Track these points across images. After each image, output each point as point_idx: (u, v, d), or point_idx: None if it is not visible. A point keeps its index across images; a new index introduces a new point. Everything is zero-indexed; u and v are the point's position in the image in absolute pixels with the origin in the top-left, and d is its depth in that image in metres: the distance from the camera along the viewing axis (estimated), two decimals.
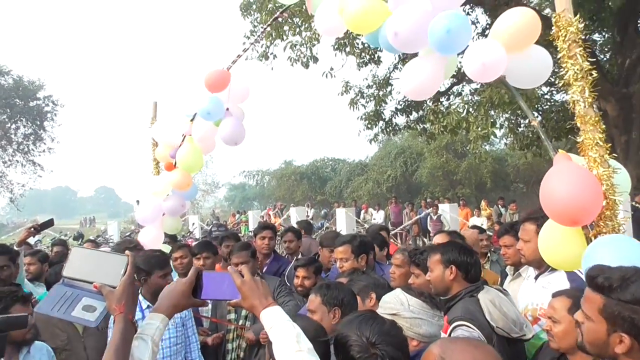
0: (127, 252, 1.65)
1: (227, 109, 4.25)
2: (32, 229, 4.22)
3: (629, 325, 1.51)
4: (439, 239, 3.91)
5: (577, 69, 2.21)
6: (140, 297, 3.24)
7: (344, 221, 12.21)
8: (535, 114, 11.43)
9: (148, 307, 3.25)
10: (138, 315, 2.55)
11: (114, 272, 1.53)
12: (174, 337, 3.42)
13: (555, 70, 2.61)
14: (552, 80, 10.82)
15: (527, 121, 12.13)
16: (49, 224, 4.45)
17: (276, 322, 1.51)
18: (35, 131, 29.81)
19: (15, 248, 4.27)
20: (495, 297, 2.49)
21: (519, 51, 2.53)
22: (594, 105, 2.22)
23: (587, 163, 2.22)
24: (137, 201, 7.67)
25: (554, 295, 2.24)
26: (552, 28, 2.32)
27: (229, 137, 4.24)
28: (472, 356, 1.20)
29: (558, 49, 2.29)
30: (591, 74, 2.21)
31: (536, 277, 2.96)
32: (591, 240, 2.16)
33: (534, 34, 2.52)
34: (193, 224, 17.04)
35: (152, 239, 4.47)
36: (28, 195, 35.00)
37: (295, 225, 7.09)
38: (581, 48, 2.23)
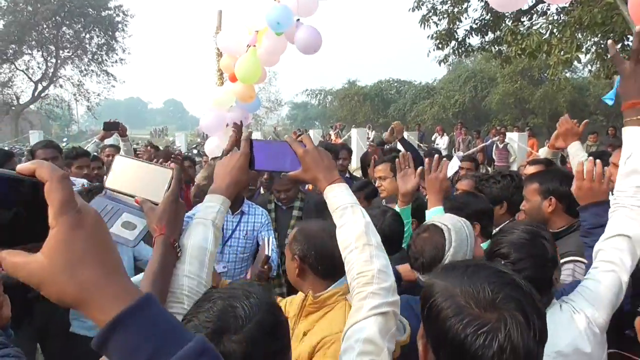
0: (172, 164, 1.46)
1: (298, 20, 4.09)
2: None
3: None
4: (532, 169, 3.67)
5: None
6: None
7: None
8: (630, 37, 10.29)
9: None
10: None
11: (158, 187, 1.34)
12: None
13: None
14: None
15: (619, 46, 10.98)
16: (113, 126, 4.96)
17: (344, 205, 1.31)
18: (107, 41, 30.87)
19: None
20: None
21: None
22: None
23: None
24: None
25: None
26: None
27: (305, 45, 4.11)
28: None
29: None
30: None
31: None
32: None
33: None
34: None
35: (215, 148, 4.54)
36: (103, 105, 36.93)
37: None
38: None
